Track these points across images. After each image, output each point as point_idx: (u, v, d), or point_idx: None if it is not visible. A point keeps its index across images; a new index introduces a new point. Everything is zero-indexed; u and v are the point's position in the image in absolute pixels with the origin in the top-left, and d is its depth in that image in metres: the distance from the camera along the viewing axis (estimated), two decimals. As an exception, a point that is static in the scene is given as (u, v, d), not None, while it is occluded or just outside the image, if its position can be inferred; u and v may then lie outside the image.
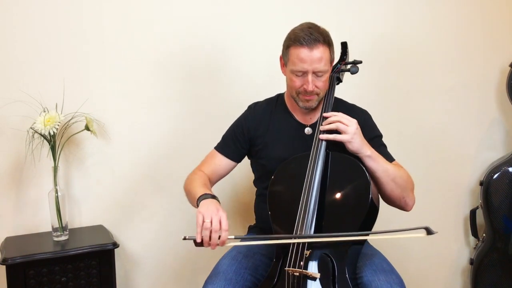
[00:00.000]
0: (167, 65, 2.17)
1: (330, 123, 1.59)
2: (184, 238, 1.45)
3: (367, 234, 1.56)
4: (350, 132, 1.55)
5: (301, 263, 1.44)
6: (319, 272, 1.45)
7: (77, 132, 1.99)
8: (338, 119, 1.58)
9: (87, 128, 1.96)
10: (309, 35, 1.57)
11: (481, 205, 2.58)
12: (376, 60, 2.45)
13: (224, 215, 1.44)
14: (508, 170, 2.52)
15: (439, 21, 2.55)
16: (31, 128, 1.89)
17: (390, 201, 1.66)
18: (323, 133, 1.60)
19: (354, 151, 1.57)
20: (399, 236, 1.48)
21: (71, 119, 1.97)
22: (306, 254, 1.46)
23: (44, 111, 1.89)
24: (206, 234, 1.42)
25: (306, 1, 2.31)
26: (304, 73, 1.60)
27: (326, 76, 1.64)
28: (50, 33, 1.99)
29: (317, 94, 1.65)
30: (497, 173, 2.52)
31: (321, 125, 1.62)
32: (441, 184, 2.64)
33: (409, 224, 2.56)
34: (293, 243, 1.47)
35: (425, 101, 2.57)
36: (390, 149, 1.74)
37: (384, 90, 2.50)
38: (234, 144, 1.78)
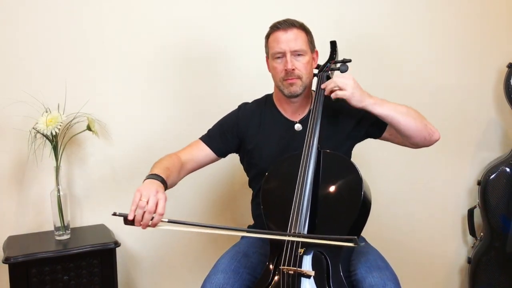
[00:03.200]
0: (168, 65, 2.18)
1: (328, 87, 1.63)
2: (114, 214, 1.41)
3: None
4: (349, 86, 1.58)
5: (296, 261, 1.45)
6: (313, 269, 1.46)
7: (79, 132, 2.00)
8: (334, 79, 1.62)
9: (88, 128, 1.98)
10: (284, 22, 1.69)
11: (479, 205, 2.60)
12: (374, 60, 2.46)
13: (163, 197, 1.43)
14: (506, 170, 2.54)
15: (437, 22, 2.56)
16: (33, 128, 1.90)
17: (418, 137, 1.65)
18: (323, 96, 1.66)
19: (358, 104, 1.59)
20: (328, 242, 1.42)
21: (73, 119, 1.98)
22: (300, 252, 1.47)
23: (46, 112, 1.91)
24: (139, 213, 1.41)
25: (301, 0, 2.33)
26: (283, 55, 1.67)
27: (306, 59, 1.69)
28: (51, 34, 2.01)
29: (300, 78, 1.68)
30: (494, 173, 2.54)
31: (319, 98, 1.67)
32: (440, 183, 2.65)
33: (407, 221, 2.59)
34: (287, 241, 1.48)
35: (423, 101, 2.57)
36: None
37: (382, 90, 2.51)
38: (220, 138, 1.78)
